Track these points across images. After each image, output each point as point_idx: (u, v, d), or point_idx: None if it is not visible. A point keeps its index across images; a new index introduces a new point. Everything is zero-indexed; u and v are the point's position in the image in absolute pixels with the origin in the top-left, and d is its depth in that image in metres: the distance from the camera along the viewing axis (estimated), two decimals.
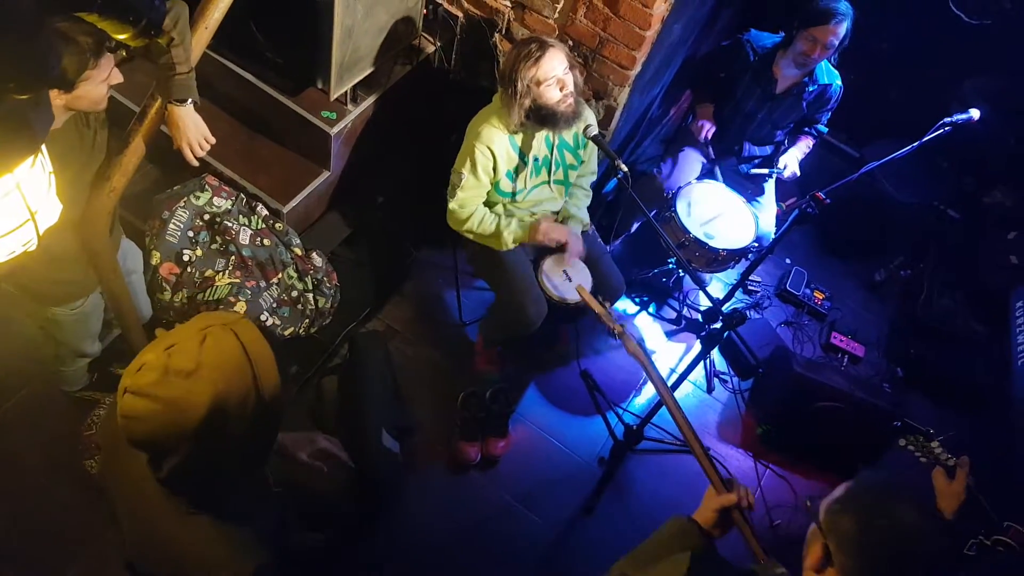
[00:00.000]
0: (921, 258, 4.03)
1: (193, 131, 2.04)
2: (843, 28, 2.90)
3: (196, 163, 2.12)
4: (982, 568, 1.90)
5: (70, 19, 1.55)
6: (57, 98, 1.70)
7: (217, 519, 1.39)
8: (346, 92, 2.92)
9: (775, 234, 3.20)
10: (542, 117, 2.52)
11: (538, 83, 2.46)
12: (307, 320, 2.97)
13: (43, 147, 1.11)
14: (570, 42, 2.95)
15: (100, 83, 1.75)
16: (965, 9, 3.65)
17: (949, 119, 2.75)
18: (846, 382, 3.10)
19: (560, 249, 2.78)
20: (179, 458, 1.28)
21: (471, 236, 2.76)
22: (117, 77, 1.80)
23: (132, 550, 1.53)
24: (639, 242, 3.71)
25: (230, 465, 1.36)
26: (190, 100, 1.97)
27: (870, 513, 1.24)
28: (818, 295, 3.82)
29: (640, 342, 1.94)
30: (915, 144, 2.77)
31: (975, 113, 2.73)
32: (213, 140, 2.11)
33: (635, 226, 3.71)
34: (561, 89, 2.49)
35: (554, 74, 2.46)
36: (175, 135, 2.03)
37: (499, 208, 2.79)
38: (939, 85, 3.91)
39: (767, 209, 3.39)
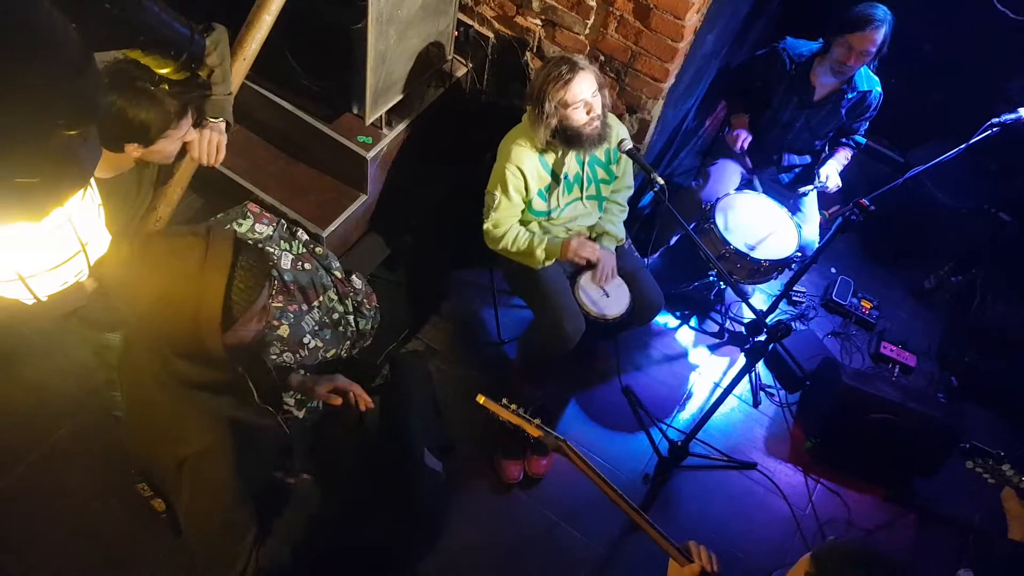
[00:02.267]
0: (972, 263, 3.90)
1: (208, 144, 2.00)
2: (880, 34, 2.84)
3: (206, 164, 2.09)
4: None
5: (159, 82, 1.68)
6: (135, 151, 1.79)
7: (176, 398, 1.51)
8: (381, 117, 2.96)
9: (819, 243, 3.14)
10: (568, 138, 2.54)
11: (565, 105, 2.47)
12: (348, 342, 3.00)
13: (92, 180, 1.14)
14: (602, 57, 2.95)
15: (177, 140, 1.84)
16: (1010, 5, 3.55)
17: (997, 120, 2.67)
18: (898, 393, 3.01)
19: (596, 265, 2.76)
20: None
21: (507, 255, 2.77)
22: (192, 135, 1.88)
23: (129, 438, 1.64)
24: (678, 255, 3.67)
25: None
26: (222, 120, 2.01)
27: None
28: (865, 304, 3.73)
29: (562, 439, 1.89)
30: (962, 146, 2.70)
31: None
32: (220, 161, 2.07)
33: (673, 239, 3.67)
34: (588, 112, 2.49)
35: (582, 97, 2.46)
36: (192, 144, 1.98)
37: (534, 226, 2.79)
38: (984, 85, 3.80)
39: (810, 218, 3.33)
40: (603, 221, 2.89)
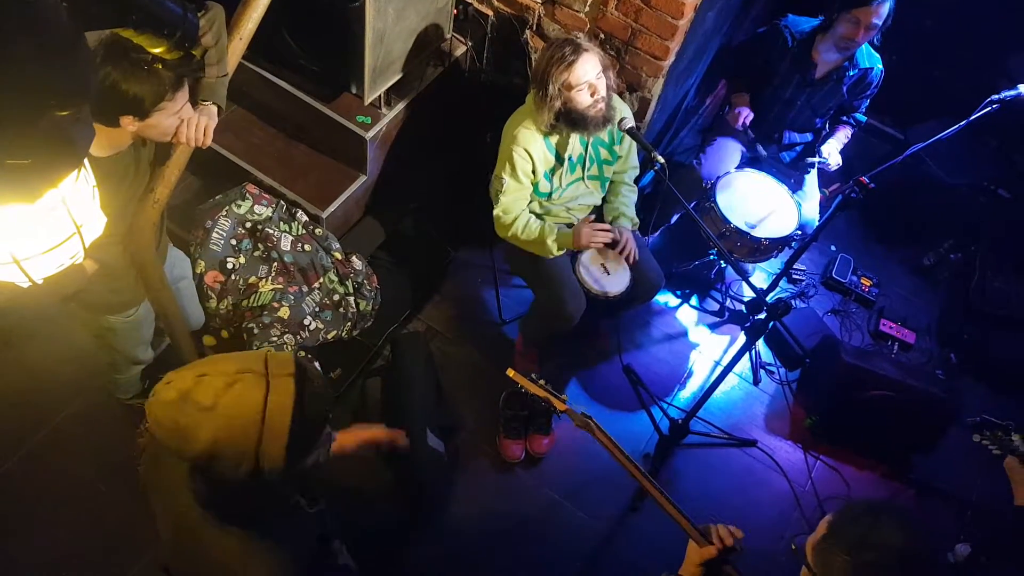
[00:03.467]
0: (972, 240, 3.89)
1: (195, 128, 1.95)
2: (886, 8, 2.81)
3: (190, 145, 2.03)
4: None
5: (153, 62, 1.63)
6: (130, 125, 1.76)
7: (248, 535, 1.41)
8: (380, 96, 2.94)
9: (819, 221, 3.13)
10: (572, 120, 2.51)
11: (569, 87, 2.44)
12: (349, 323, 3.00)
13: (86, 161, 1.13)
14: (602, 35, 2.93)
15: (172, 115, 1.81)
16: None
17: (997, 96, 2.65)
18: (897, 370, 3.02)
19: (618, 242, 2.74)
20: (200, 476, 1.34)
21: (517, 243, 2.75)
22: (189, 111, 1.86)
23: (168, 553, 1.56)
24: (678, 234, 3.66)
25: (250, 491, 1.38)
26: (213, 104, 1.99)
27: (858, 547, 1.21)
28: (865, 282, 3.72)
29: (588, 415, 1.90)
30: (962, 123, 2.68)
31: None
32: (207, 144, 2.02)
33: (674, 218, 3.66)
34: (592, 94, 2.47)
35: (586, 79, 2.44)
36: (179, 126, 1.94)
37: (535, 206, 2.78)
38: (984, 62, 3.77)
39: (810, 196, 3.31)
40: (617, 204, 2.87)
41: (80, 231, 1.18)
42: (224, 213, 2.85)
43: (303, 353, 2.81)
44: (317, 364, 2.83)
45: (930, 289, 3.86)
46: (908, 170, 3.07)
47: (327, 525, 1.74)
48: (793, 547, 1.36)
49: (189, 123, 1.94)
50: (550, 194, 2.74)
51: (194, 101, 1.95)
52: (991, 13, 3.65)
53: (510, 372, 1.99)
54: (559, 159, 2.66)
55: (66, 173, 1.07)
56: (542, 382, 1.98)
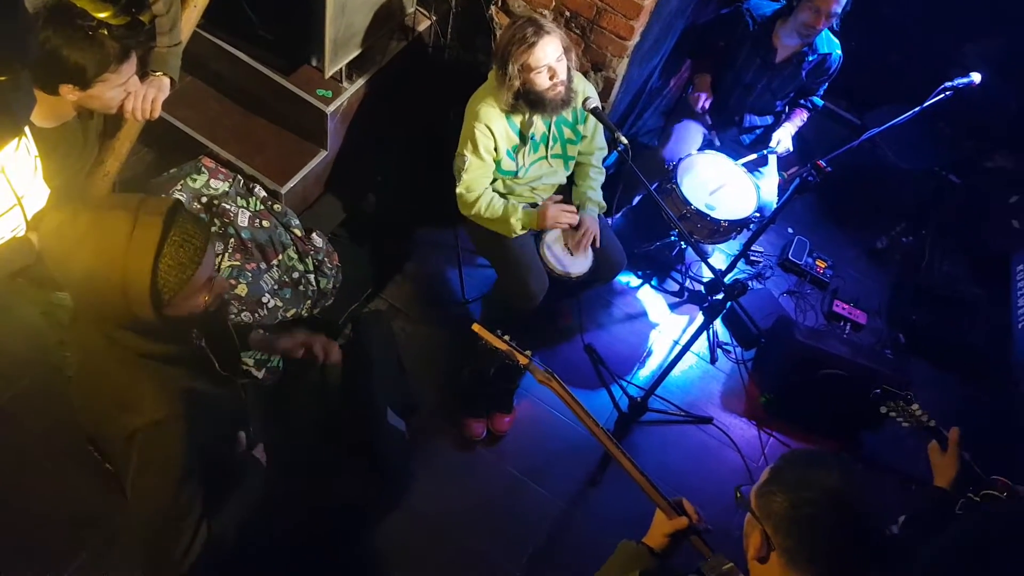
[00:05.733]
0: (923, 224, 4.01)
1: (143, 100, 1.90)
2: None
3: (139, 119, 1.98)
4: (968, 522, 1.91)
5: (99, 27, 1.58)
6: (70, 94, 1.70)
7: (126, 365, 1.47)
8: (341, 70, 2.89)
9: (777, 204, 3.18)
10: (531, 101, 2.51)
11: (528, 69, 2.44)
12: (309, 301, 2.97)
13: (27, 131, 1.09)
14: (567, 13, 2.91)
15: (116, 87, 1.75)
16: None
17: (950, 83, 2.73)
18: (848, 349, 3.10)
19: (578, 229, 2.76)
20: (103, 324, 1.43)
21: (480, 222, 2.74)
22: (134, 84, 1.79)
23: (79, 406, 1.58)
24: (641, 215, 3.69)
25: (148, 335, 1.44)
26: (164, 75, 1.93)
27: (797, 488, 1.23)
28: (820, 264, 3.81)
29: (551, 372, 1.92)
30: (916, 109, 2.74)
31: (976, 77, 2.71)
32: (155, 117, 1.98)
33: (637, 199, 3.69)
34: (551, 77, 2.47)
35: (546, 62, 2.43)
36: (127, 97, 1.89)
37: (499, 184, 2.77)
38: (941, 50, 3.86)
39: (769, 179, 3.37)
40: (584, 189, 2.88)
41: (21, 202, 1.14)
42: (179, 187, 2.78)
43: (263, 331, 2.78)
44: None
45: (882, 271, 3.97)
46: (864, 155, 3.14)
47: (247, 411, 1.80)
48: (738, 495, 1.37)
49: (136, 95, 1.88)
50: (515, 173, 2.73)
51: (144, 72, 1.88)
52: (947, 2, 3.73)
53: (475, 327, 1.98)
54: (522, 138, 2.65)
55: (4, 142, 1.04)
56: (507, 337, 1.98)
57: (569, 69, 2.51)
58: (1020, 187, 3.86)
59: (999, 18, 3.74)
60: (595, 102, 2.60)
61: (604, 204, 2.90)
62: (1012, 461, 2.68)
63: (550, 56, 2.43)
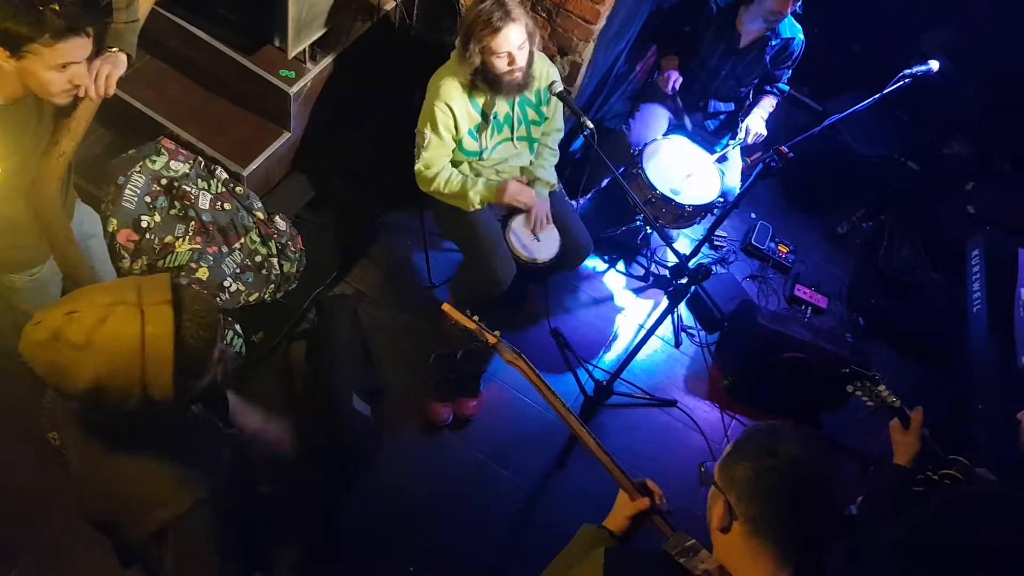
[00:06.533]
0: (882, 210, 4.09)
1: (96, 76, 1.84)
2: None
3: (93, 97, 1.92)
4: (929, 505, 1.97)
5: (50, 1, 1.53)
6: (5, 62, 1.64)
7: (156, 458, 1.39)
8: (304, 50, 2.84)
9: (740, 189, 3.22)
10: (488, 80, 2.53)
11: (489, 52, 2.45)
12: (272, 285, 2.93)
13: None
14: None
15: (50, 68, 1.68)
16: None
17: (908, 71, 2.77)
18: (809, 333, 3.16)
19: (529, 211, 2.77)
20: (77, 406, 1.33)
21: (440, 197, 2.73)
22: (78, 73, 1.73)
23: (77, 493, 1.50)
24: (607, 199, 3.71)
25: (149, 416, 1.34)
26: (121, 51, 1.87)
27: (759, 456, 1.25)
28: (782, 248, 3.87)
29: (519, 352, 1.93)
30: (876, 96, 2.79)
31: (934, 65, 2.76)
32: (109, 94, 1.91)
33: (603, 183, 3.70)
34: (510, 63, 2.48)
35: (507, 48, 2.44)
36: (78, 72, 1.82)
37: (465, 167, 2.75)
38: (901, 38, 3.93)
39: (732, 164, 3.40)
40: (534, 167, 2.88)
41: None
42: (138, 169, 2.72)
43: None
44: (238, 327, 2.76)
45: (843, 256, 4.05)
46: (825, 141, 3.19)
47: (243, 451, 1.71)
48: (702, 470, 1.39)
49: (90, 69, 1.82)
50: (480, 154, 2.72)
51: (99, 48, 1.83)
52: None
53: (445, 307, 1.98)
54: (484, 117, 2.64)
55: None
56: (476, 318, 1.98)
57: (531, 54, 2.51)
58: (976, 173, 3.96)
59: (945, 10, 3.82)
60: (560, 86, 2.59)
61: (554, 182, 2.91)
62: (966, 441, 2.77)
63: (513, 43, 2.43)
